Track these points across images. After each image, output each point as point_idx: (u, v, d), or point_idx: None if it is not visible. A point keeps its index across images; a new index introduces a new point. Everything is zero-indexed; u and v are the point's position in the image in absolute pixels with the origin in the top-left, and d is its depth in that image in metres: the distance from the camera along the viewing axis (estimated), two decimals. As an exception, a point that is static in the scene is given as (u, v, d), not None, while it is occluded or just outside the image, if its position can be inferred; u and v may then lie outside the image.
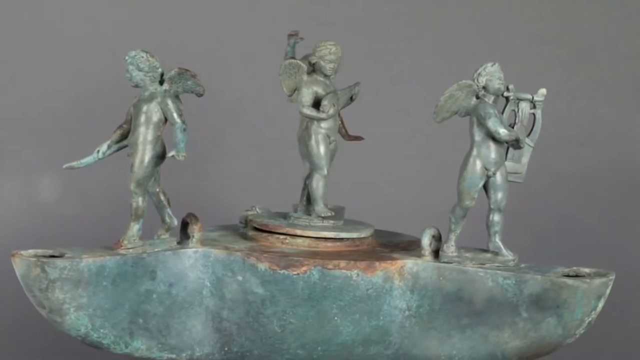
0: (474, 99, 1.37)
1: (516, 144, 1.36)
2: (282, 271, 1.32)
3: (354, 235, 1.43)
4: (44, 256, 1.33)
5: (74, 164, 1.38)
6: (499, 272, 1.36)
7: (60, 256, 1.32)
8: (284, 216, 1.47)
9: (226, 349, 1.35)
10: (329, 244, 1.41)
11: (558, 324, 1.36)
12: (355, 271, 1.34)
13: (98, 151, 1.38)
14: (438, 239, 1.40)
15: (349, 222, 1.47)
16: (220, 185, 2.22)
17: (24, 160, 2.30)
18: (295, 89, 1.45)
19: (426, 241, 1.39)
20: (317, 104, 1.44)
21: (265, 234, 1.42)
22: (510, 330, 1.37)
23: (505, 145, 1.38)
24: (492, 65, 1.37)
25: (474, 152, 1.36)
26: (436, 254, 1.39)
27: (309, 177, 1.48)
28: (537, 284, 1.35)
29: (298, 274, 1.32)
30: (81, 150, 2.49)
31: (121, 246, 1.34)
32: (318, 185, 1.44)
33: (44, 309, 1.32)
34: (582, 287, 1.34)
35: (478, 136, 1.36)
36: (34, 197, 2.29)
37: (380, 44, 2.38)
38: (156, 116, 1.33)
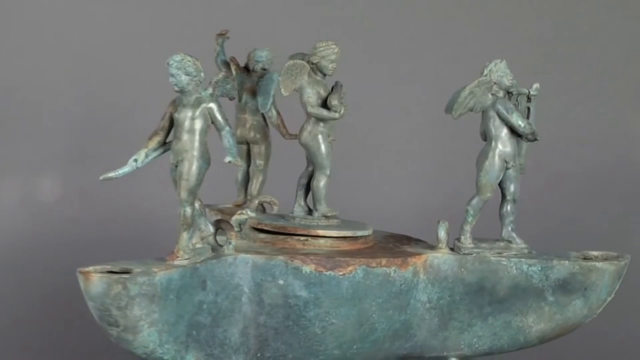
0: (489, 95, 1.38)
1: (532, 136, 1.38)
2: (328, 272, 1.28)
3: (366, 233, 1.41)
4: (115, 272, 1.19)
5: (111, 174, 1.28)
6: (523, 259, 1.37)
7: (127, 272, 1.19)
8: (283, 217, 1.43)
9: (259, 355, 1.30)
10: (347, 242, 1.38)
11: (584, 305, 1.39)
12: (393, 268, 1.31)
13: (136, 160, 1.27)
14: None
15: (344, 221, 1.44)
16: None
17: (24, 160, 2.30)
18: (293, 90, 1.45)
19: (443, 234, 1.38)
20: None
21: (281, 237, 1.37)
22: (535, 314, 1.39)
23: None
24: (500, 62, 1.38)
25: (493, 145, 1.37)
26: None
27: (303, 176, 1.44)
28: (564, 268, 1.38)
29: (344, 274, 1.29)
30: (81, 150, 2.50)
31: (177, 257, 1.24)
32: (322, 185, 1.41)
33: (117, 328, 1.20)
34: (610, 269, 1.39)
35: (498, 130, 1.37)
36: (34, 198, 2.29)
37: (380, 44, 2.38)
38: (204, 122, 1.24)
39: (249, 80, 1.58)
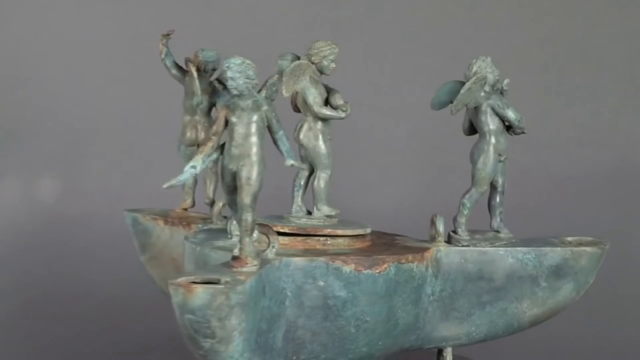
0: (483, 91, 1.40)
1: (520, 130, 1.42)
2: (366, 271, 1.30)
3: (370, 230, 1.42)
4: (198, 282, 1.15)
5: (173, 182, 1.23)
6: (518, 248, 1.42)
7: (212, 282, 1.15)
8: (282, 218, 1.41)
9: (294, 358, 1.30)
10: (359, 240, 1.39)
11: (574, 288, 1.45)
12: (415, 263, 1.34)
13: (194, 167, 1.24)
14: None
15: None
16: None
17: (24, 160, 2.31)
18: (294, 90, 1.44)
19: (442, 228, 1.42)
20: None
21: (300, 237, 1.36)
22: (530, 300, 1.44)
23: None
24: (486, 59, 1.41)
25: (488, 139, 1.40)
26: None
27: (300, 177, 1.43)
28: (557, 255, 1.44)
29: (380, 272, 1.31)
30: (81, 150, 2.50)
31: (245, 263, 1.21)
32: (324, 185, 1.41)
33: (212, 340, 1.14)
34: (598, 252, 1.45)
35: (493, 125, 1.40)
36: (34, 197, 2.29)
37: (380, 43, 2.38)
38: (263, 125, 1.22)
39: (202, 81, 1.57)
